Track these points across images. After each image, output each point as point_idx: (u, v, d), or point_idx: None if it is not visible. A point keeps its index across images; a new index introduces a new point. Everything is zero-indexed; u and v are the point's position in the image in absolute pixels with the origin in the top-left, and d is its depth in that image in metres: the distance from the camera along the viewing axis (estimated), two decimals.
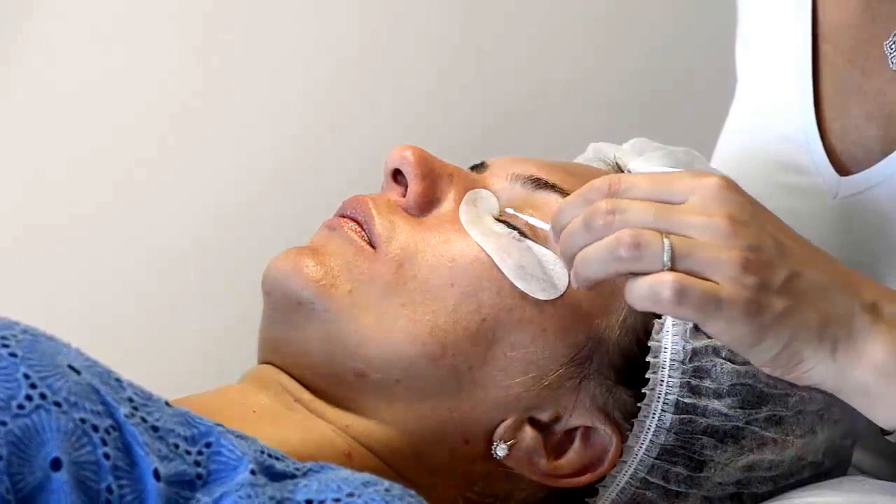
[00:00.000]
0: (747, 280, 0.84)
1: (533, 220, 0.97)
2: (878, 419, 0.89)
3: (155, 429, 0.76)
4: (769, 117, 1.16)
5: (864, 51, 1.09)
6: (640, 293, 0.84)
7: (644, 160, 1.03)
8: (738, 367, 0.95)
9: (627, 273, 0.85)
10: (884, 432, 0.90)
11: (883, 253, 1.06)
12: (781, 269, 0.85)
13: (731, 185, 0.87)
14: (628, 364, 0.96)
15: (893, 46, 1.07)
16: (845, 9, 1.11)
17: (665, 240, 0.84)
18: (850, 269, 0.90)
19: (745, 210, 0.86)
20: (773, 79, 1.16)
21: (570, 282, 0.95)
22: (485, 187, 1.01)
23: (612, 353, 0.96)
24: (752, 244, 0.85)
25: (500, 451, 0.95)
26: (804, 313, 0.85)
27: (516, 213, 0.98)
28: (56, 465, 0.71)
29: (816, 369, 0.87)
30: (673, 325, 0.95)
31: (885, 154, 1.08)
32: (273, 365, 0.97)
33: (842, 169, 1.11)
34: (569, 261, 0.89)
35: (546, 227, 0.94)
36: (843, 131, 1.11)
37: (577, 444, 0.96)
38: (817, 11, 1.13)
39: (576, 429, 0.96)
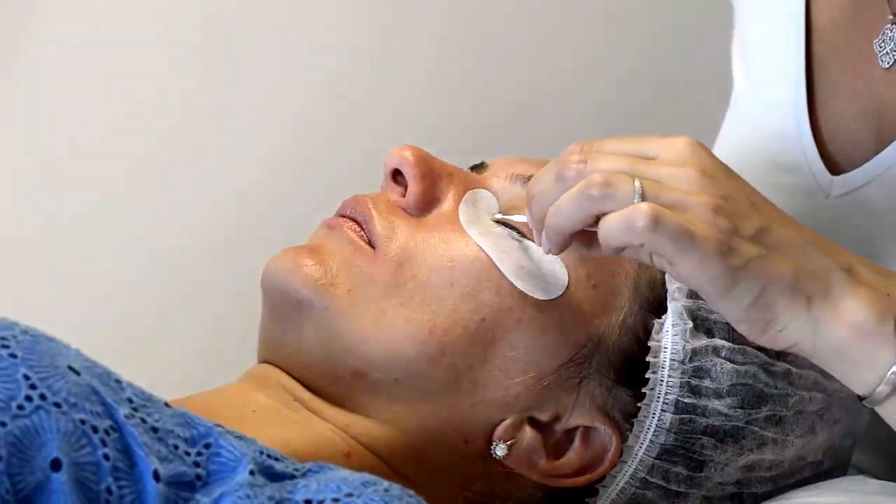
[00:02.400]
0: (719, 222, 0.83)
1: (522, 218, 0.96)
2: (855, 384, 0.86)
3: (155, 430, 0.76)
4: (763, 117, 1.16)
5: (854, 50, 1.09)
6: (615, 225, 0.83)
7: None
8: (737, 367, 0.95)
9: (597, 215, 0.84)
10: (860, 398, 0.87)
11: (877, 250, 1.06)
12: (753, 219, 0.85)
13: (701, 145, 0.87)
14: (628, 364, 0.96)
15: (883, 45, 1.07)
16: (836, 8, 1.11)
17: (636, 181, 0.84)
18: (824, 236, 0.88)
19: (716, 166, 0.86)
20: (766, 79, 1.16)
21: (569, 282, 0.95)
22: (484, 187, 1.01)
23: (611, 352, 0.96)
24: (724, 194, 0.84)
25: (500, 450, 0.95)
26: (777, 264, 0.84)
27: (505, 217, 0.97)
28: (56, 465, 0.71)
29: (791, 327, 0.85)
30: (673, 325, 0.95)
31: (877, 152, 1.07)
32: (273, 364, 0.97)
33: (835, 167, 1.11)
34: (539, 222, 0.88)
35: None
36: (835, 130, 1.11)
37: (576, 443, 0.96)
38: (810, 12, 1.13)
39: (575, 429, 0.96)
